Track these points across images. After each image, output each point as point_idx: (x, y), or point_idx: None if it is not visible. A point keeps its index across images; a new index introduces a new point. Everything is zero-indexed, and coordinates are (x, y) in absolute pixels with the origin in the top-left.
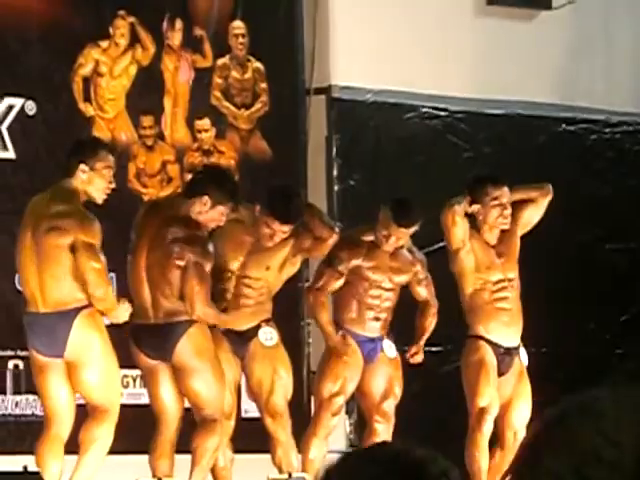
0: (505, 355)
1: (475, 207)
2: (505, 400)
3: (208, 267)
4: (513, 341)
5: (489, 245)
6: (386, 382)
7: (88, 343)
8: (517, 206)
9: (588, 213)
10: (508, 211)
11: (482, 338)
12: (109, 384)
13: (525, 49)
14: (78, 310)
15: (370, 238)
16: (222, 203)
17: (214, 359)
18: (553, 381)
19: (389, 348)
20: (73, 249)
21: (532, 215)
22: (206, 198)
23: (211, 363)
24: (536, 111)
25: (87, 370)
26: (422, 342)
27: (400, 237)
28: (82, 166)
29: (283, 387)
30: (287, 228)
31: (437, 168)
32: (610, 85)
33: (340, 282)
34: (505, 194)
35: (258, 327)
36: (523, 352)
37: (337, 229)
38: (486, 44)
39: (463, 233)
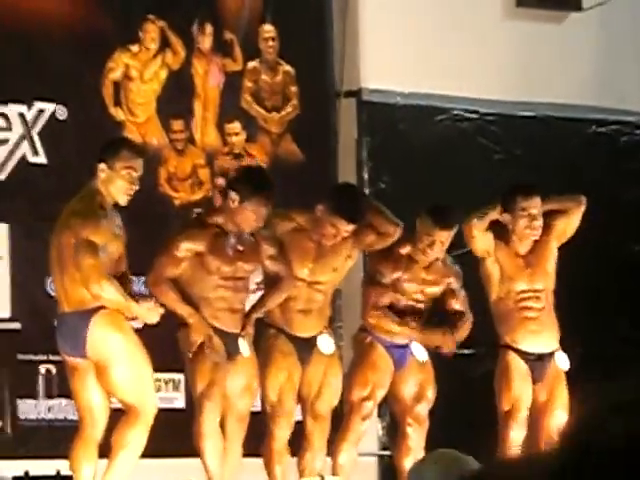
0: (538, 362)
1: (505, 216)
2: (540, 405)
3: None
4: (545, 347)
5: (518, 255)
6: (417, 386)
7: (107, 343)
8: (551, 216)
9: (619, 214)
10: (538, 222)
11: (509, 347)
12: (138, 385)
13: (555, 51)
14: (96, 310)
15: (406, 251)
16: (252, 200)
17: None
18: (588, 381)
19: (419, 352)
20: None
21: (566, 226)
22: (234, 194)
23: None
24: (567, 113)
25: (112, 370)
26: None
27: (443, 241)
28: (101, 165)
29: (330, 393)
30: (352, 227)
31: (468, 171)
32: None
33: (389, 295)
34: (536, 205)
35: (319, 334)
36: (561, 357)
37: (401, 224)
38: (516, 46)
39: (484, 245)
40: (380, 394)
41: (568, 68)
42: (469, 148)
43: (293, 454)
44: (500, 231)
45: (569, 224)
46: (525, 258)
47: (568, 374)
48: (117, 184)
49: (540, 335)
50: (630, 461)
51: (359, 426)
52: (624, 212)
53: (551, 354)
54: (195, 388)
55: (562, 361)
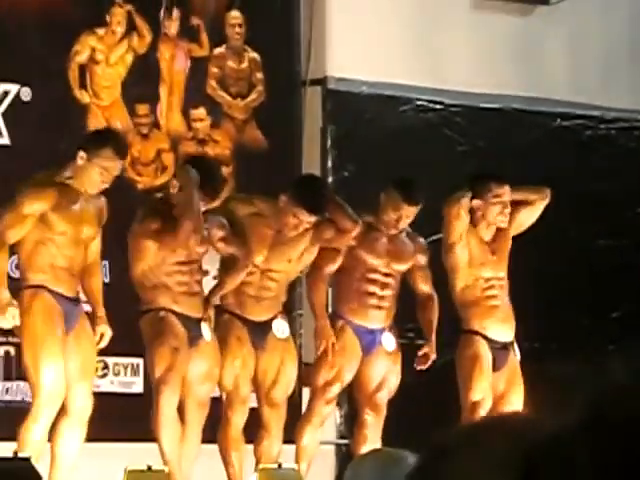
0: (501, 350)
1: (476, 202)
2: (498, 394)
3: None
4: (508, 336)
5: (483, 242)
6: (381, 375)
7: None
8: (514, 207)
9: (582, 209)
10: (508, 210)
11: (478, 333)
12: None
13: (521, 44)
14: None
15: (368, 220)
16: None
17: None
18: (545, 377)
19: (388, 341)
20: None
21: (527, 217)
22: (81, 152)
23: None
24: (531, 106)
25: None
26: (434, 340)
27: (410, 216)
28: (81, 153)
29: (286, 380)
30: (314, 218)
31: (431, 161)
32: (606, 81)
33: (339, 260)
34: (507, 192)
35: (273, 319)
36: (516, 348)
37: (360, 221)
38: (482, 38)
39: (463, 227)
40: (347, 378)
41: (534, 61)
42: (433, 139)
43: (249, 441)
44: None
45: (530, 216)
46: (490, 245)
47: (526, 369)
48: (91, 177)
49: (504, 324)
50: None
51: (323, 410)
52: (587, 206)
53: (512, 343)
54: (153, 373)
55: (517, 352)
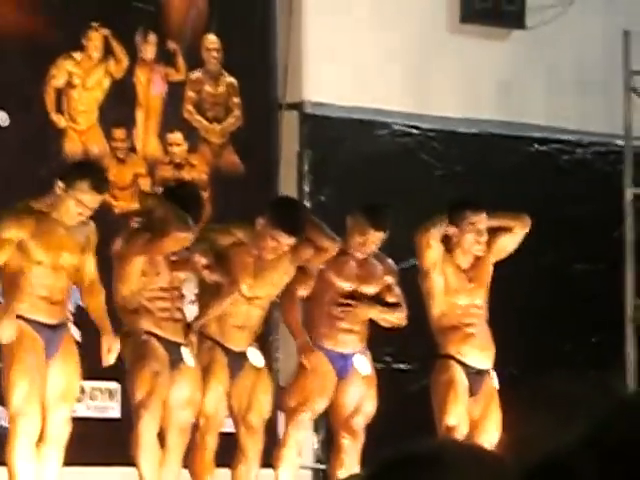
0: (477, 376)
1: (452, 229)
2: (474, 420)
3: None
4: (485, 364)
5: (460, 269)
6: (357, 399)
7: None
8: (493, 233)
9: (559, 233)
10: (484, 238)
11: (453, 358)
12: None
13: (498, 68)
14: None
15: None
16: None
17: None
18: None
19: (361, 364)
20: None
21: (507, 244)
22: (60, 182)
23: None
24: (508, 130)
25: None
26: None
27: (376, 242)
28: (60, 183)
29: (260, 405)
30: (293, 240)
31: (408, 186)
32: (583, 106)
33: (311, 284)
34: (483, 220)
35: (249, 345)
36: (494, 375)
37: (338, 239)
38: (459, 62)
39: (436, 256)
40: (319, 402)
41: (510, 85)
42: (410, 163)
43: (226, 465)
44: (445, 244)
45: (511, 242)
46: (467, 273)
47: (504, 395)
48: (68, 208)
49: (482, 352)
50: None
51: (296, 433)
52: (564, 231)
53: (488, 371)
54: (134, 396)
55: (495, 379)
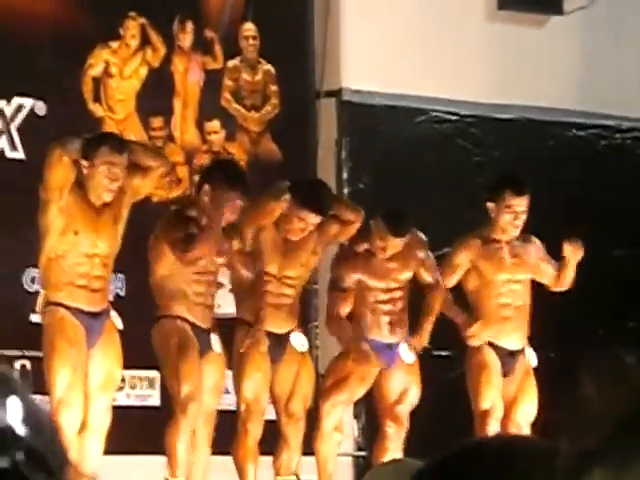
0: (509, 357)
1: (490, 205)
2: (509, 399)
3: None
4: (517, 344)
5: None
6: (401, 387)
7: None
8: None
9: (598, 218)
10: (519, 221)
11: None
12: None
13: (536, 54)
14: None
15: (364, 247)
16: (227, 191)
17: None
18: (561, 387)
19: (406, 353)
20: None
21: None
22: (207, 187)
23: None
24: (546, 116)
25: None
26: (425, 328)
27: (396, 246)
28: (83, 162)
29: (303, 392)
30: (319, 219)
31: (447, 172)
32: (621, 91)
33: (351, 299)
34: (523, 203)
35: (291, 331)
36: (531, 353)
37: (361, 210)
38: (497, 49)
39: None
40: (357, 388)
41: (549, 71)
42: (448, 150)
43: (268, 453)
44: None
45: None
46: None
47: (542, 377)
48: (96, 180)
49: (514, 332)
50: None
51: (331, 411)
52: (603, 216)
53: (522, 350)
54: (177, 388)
55: (532, 357)
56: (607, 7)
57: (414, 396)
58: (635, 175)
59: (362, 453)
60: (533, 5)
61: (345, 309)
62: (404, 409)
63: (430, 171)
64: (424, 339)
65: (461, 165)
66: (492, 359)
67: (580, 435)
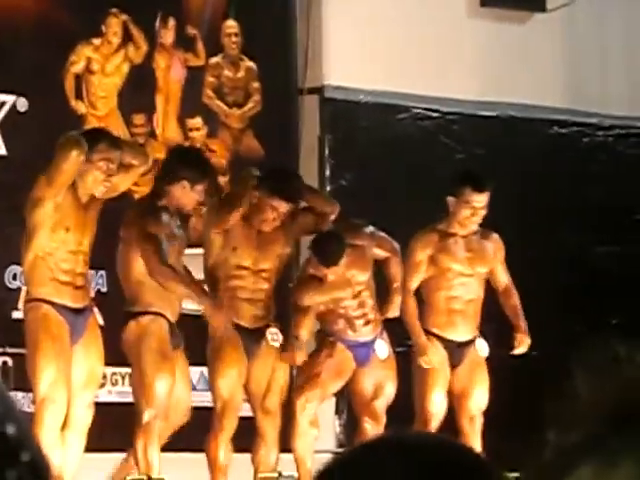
0: (457, 349)
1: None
2: (460, 389)
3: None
4: (466, 336)
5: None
6: (377, 382)
7: None
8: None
9: (579, 216)
10: (477, 217)
11: (433, 334)
12: None
13: (518, 51)
14: None
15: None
16: (198, 183)
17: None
18: (540, 384)
19: (381, 349)
20: None
21: None
22: (185, 182)
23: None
24: (529, 113)
25: None
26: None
27: (336, 272)
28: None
29: (279, 388)
30: (291, 206)
31: (429, 169)
32: (603, 88)
33: (313, 319)
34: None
35: (267, 326)
36: (481, 343)
37: (337, 203)
38: (479, 46)
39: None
40: (331, 385)
41: (531, 69)
42: (431, 147)
43: (245, 450)
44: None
45: None
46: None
47: (521, 375)
48: (93, 175)
49: (463, 324)
50: None
51: (305, 407)
52: (584, 214)
53: (472, 341)
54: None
55: (483, 347)
56: (590, 4)
57: (390, 391)
58: (617, 172)
59: (343, 450)
60: (516, 2)
61: (309, 330)
62: (380, 404)
63: (412, 168)
64: (395, 309)
65: (443, 162)
66: (439, 360)
67: (567, 429)
